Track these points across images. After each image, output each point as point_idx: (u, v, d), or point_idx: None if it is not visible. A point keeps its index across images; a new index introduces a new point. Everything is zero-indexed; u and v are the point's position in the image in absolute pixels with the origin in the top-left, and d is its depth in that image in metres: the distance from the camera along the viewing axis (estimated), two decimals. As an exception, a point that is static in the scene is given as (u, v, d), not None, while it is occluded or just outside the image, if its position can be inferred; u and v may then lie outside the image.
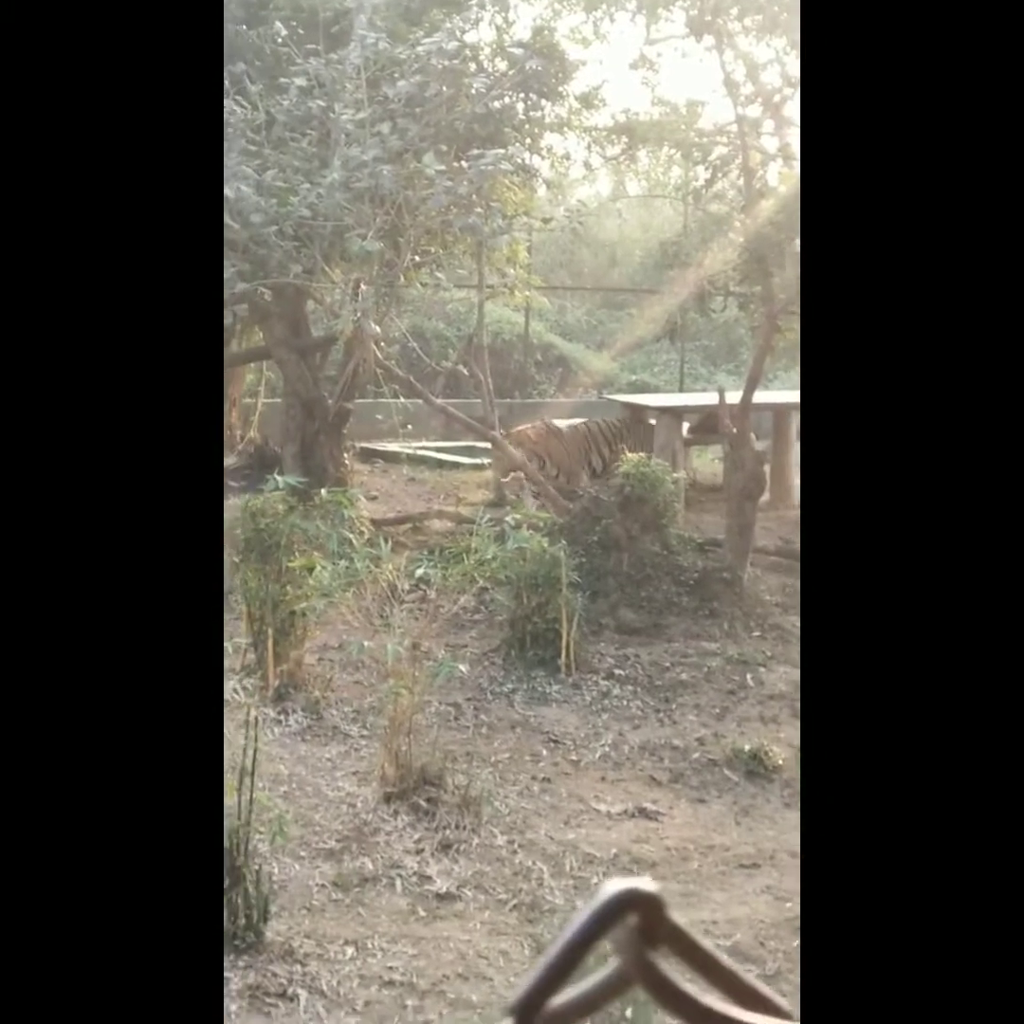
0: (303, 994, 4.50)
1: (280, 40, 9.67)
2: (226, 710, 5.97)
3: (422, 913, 5.17)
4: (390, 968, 4.73)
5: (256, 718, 5.25)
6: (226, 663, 6.98)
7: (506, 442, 11.96)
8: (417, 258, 10.87)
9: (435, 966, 4.76)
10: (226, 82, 9.13)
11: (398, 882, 5.40)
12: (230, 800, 4.86)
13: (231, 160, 8.71)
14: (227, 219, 9.27)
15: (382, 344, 11.14)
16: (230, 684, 6.16)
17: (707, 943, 0.90)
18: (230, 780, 4.89)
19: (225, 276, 8.78)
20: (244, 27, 11.31)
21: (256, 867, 4.89)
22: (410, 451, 15.16)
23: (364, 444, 14.73)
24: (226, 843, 4.81)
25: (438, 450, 15.67)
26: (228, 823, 4.82)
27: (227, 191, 8.66)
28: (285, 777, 6.22)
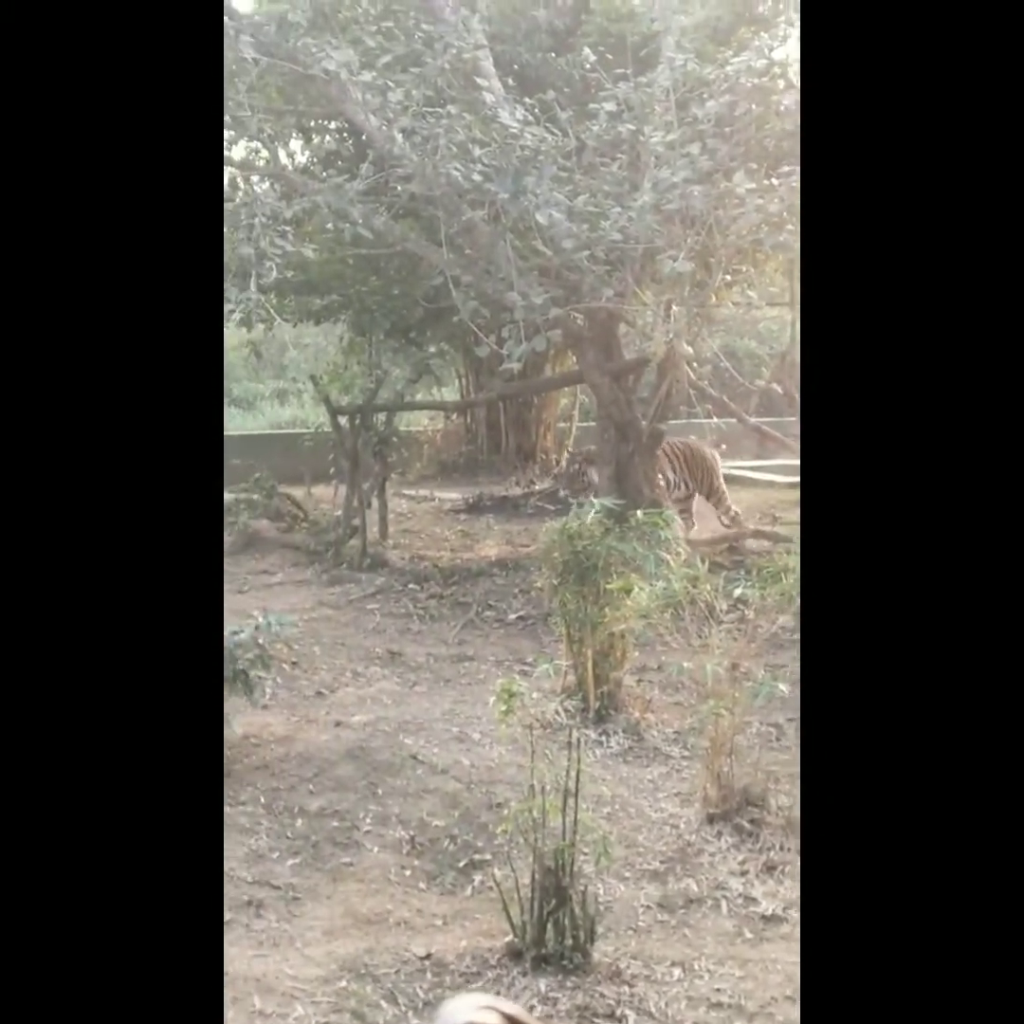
0: (631, 1015, 4.50)
1: (589, 66, 9.77)
2: (549, 731, 6.03)
3: (748, 935, 5.10)
4: (717, 990, 4.69)
5: (578, 739, 5.28)
6: (547, 685, 7.07)
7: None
8: (728, 277, 10.83)
9: (763, 988, 4.69)
10: (537, 110, 9.28)
11: (723, 904, 5.35)
12: (555, 821, 4.90)
13: (542, 187, 8.84)
14: (540, 246, 9.41)
15: (694, 364, 11.14)
16: (552, 705, 6.22)
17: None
18: (554, 801, 4.93)
19: (538, 301, 8.91)
20: (552, 55, 11.48)
21: (582, 888, 4.92)
22: (724, 471, 15.08)
23: (678, 465, 14.74)
24: (552, 863, 4.85)
25: (753, 469, 15.55)
26: (554, 844, 4.86)
27: (539, 218, 8.79)
28: (608, 798, 6.24)
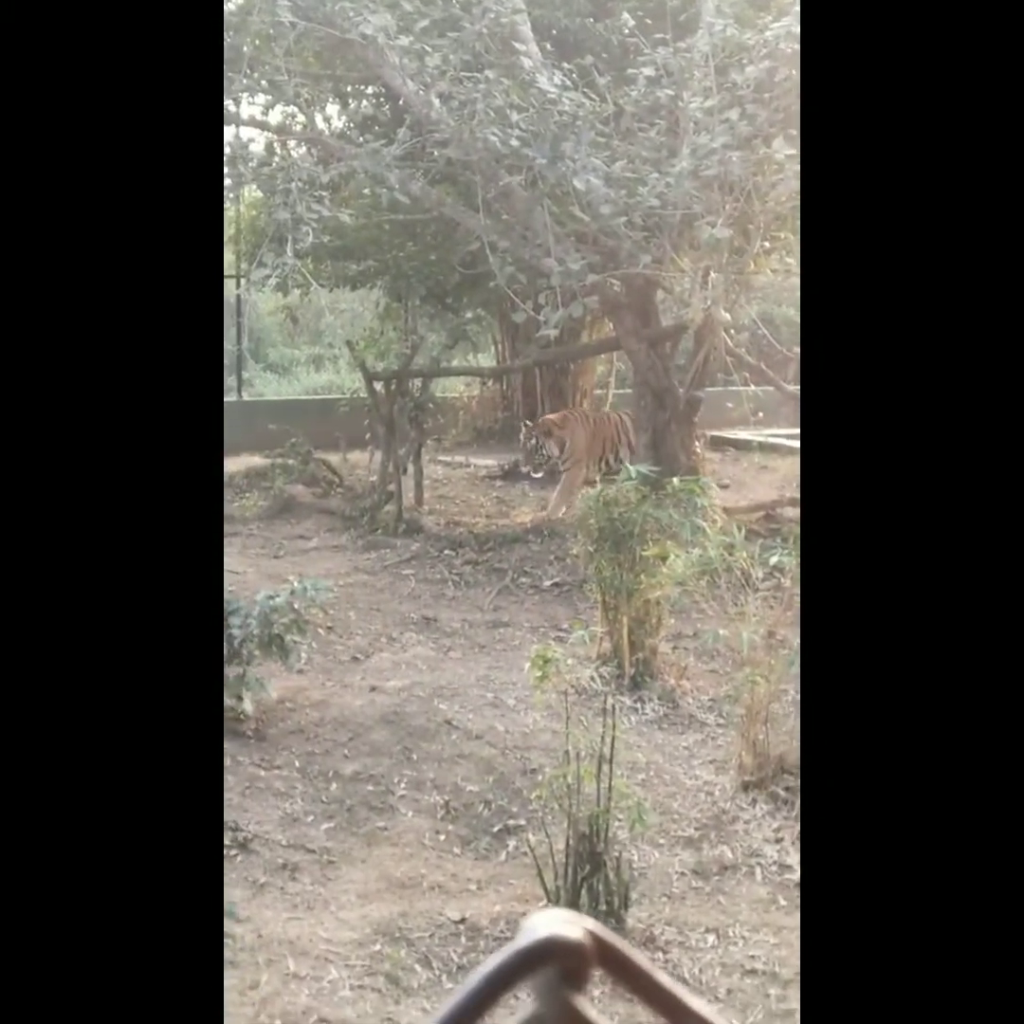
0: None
1: (627, 31, 9.69)
2: (584, 698, 6.04)
3: (783, 902, 5.11)
4: (751, 956, 4.70)
5: (613, 706, 5.29)
6: (582, 652, 7.07)
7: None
8: (767, 244, 10.75)
9: (797, 955, 4.69)
10: (575, 75, 9.22)
11: (758, 871, 5.35)
12: (590, 787, 4.91)
13: (580, 153, 8.79)
14: (577, 211, 9.37)
15: (732, 332, 11.07)
16: (586, 672, 6.23)
17: (646, 967, 0.85)
18: (589, 767, 4.94)
19: (575, 268, 8.88)
20: (591, 20, 11.40)
21: (616, 854, 4.93)
22: (761, 438, 15.02)
23: (715, 432, 14.68)
24: (587, 829, 4.86)
25: (789, 437, 15.47)
26: (588, 810, 4.87)
27: (577, 183, 8.74)
28: (643, 765, 6.25)
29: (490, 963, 0.86)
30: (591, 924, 0.93)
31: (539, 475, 12.79)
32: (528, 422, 12.70)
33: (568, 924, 0.90)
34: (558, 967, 0.89)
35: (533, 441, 12.55)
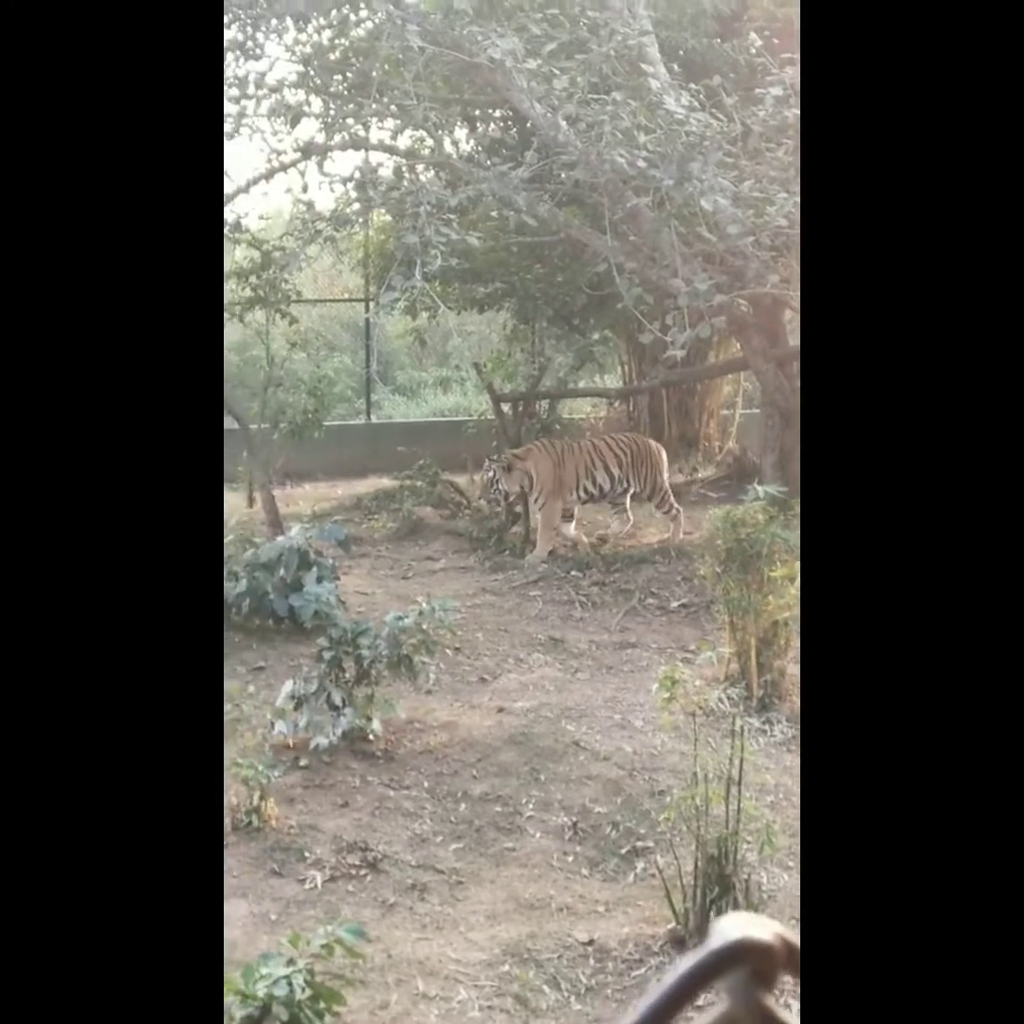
0: (794, 1004, 4.46)
1: (754, 51, 9.67)
2: (712, 719, 6.00)
3: (915, 931, 5.03)
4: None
5: (741, 728, 5.25)
6: (710, 673, 7.03)
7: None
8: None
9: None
10: (702, 96, 9.21)
11: (889, 898, 5.28)
12: (718, 809, 4.88)
13: (707, 173, 8.77)
14: (705, 232, 9.35)
15: (861, 350, 10.95)
16: (714, 693, 6.19)
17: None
18: (717, 789, 4.91)
19: (702, 288, 8.85)
20: (718, 41, 11.38)
21: (745, 877, 4.89)
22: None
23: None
24: (715, 851, 4.83)
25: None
26: (717, 832, 4.84)
27: (704, 204, 8.73)
28: (771, 787, 6.20)
29: (684, 963, 0.88)
30: (780, 927, 0.95)
31: (498, 510, 12.36)
32: (492, 457, 12.29)
33: (759, 926, 0.92)
34: (749, 968, 0.90)
35: (490, 474, 12.02)
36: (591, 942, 4.87)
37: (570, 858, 5.63)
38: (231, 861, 5.42)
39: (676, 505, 12.34)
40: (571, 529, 12.13)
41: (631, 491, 12.38)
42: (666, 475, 12.50)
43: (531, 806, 6.06)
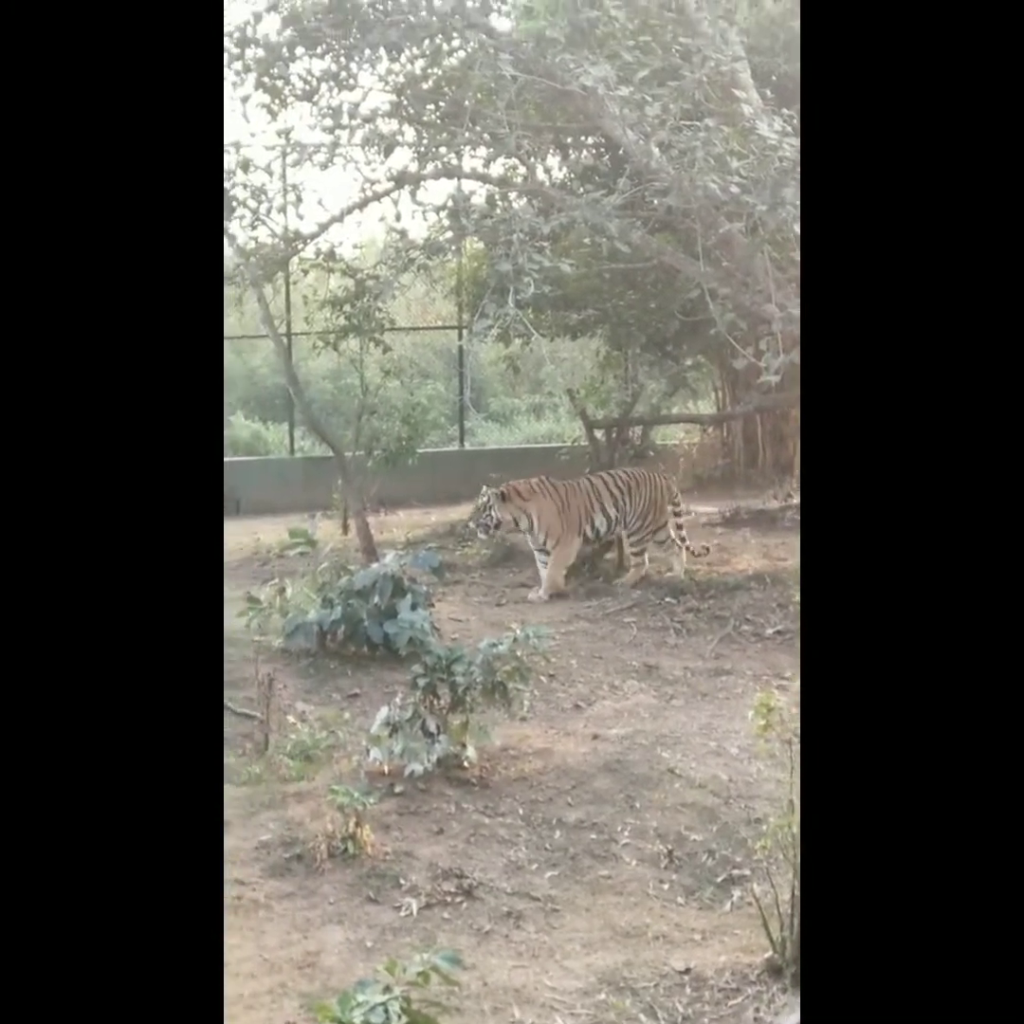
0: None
1: None
2: None
3: None
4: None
5: None
6: None
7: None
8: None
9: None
10: (795, 121, 9.17)
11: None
12: None
13: (800, 198, 8.72)
14: (798, 257, 9.28)
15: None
16: None
17: None
18: None
19: (796, 313, 8.79)
20: None
21: None
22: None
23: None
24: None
25: None
26: None
27: (797, 229, 8.68)
28: (870, 817, 6.13)
29: None
30: None
31: (483, 537, 12.10)
32: (488, 488, 11.83)
33: None
34: None
35: (484, 499, 11.77)
36: (687, 971, 4.83)
37: (666, 886, 5.60)
38: (327, 887, 5.45)
39: (686, 545, 12.01)
40: (645, 560, 11.95)
41: (639, 532, 11.97)
42: (661, 510, 12.01)
43: (626, 834, 6.03)
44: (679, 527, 11.99)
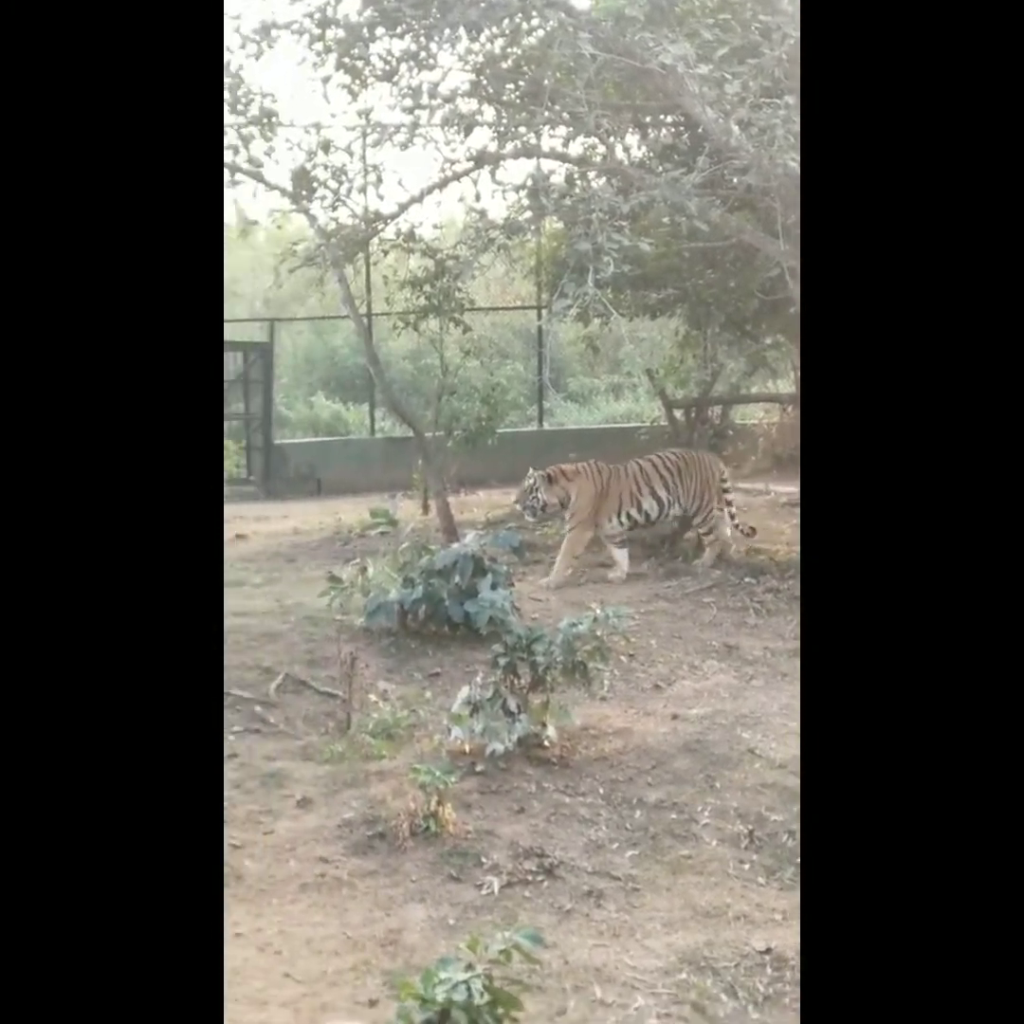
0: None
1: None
2: None
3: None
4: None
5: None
6: None
7: None
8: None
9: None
10: None
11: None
12: None
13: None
14: None
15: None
16: None
17: None
18: None
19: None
20: None
21: (926, 889, 4.81)
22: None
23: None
24: None
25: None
26: None
27: None
28: (952, 799, 6.09)
29: None
30: None
31: (531, 519, 12.06)
32: (534, 471, 11.77)
33: None
34: None
35: (530, 482, 11.69)
36: (768, 951, 4.83)
37: (746, 866, 5.59)
38: (409, 865, 5.49)
39: (715, 528, 11.92)
40: (727, 532, 11.94)
41: (695, 514, 11.98)
42: (714, 491, 11.96)
43: (707, 814, 6.04)
44: (728, 504, 11.97)
